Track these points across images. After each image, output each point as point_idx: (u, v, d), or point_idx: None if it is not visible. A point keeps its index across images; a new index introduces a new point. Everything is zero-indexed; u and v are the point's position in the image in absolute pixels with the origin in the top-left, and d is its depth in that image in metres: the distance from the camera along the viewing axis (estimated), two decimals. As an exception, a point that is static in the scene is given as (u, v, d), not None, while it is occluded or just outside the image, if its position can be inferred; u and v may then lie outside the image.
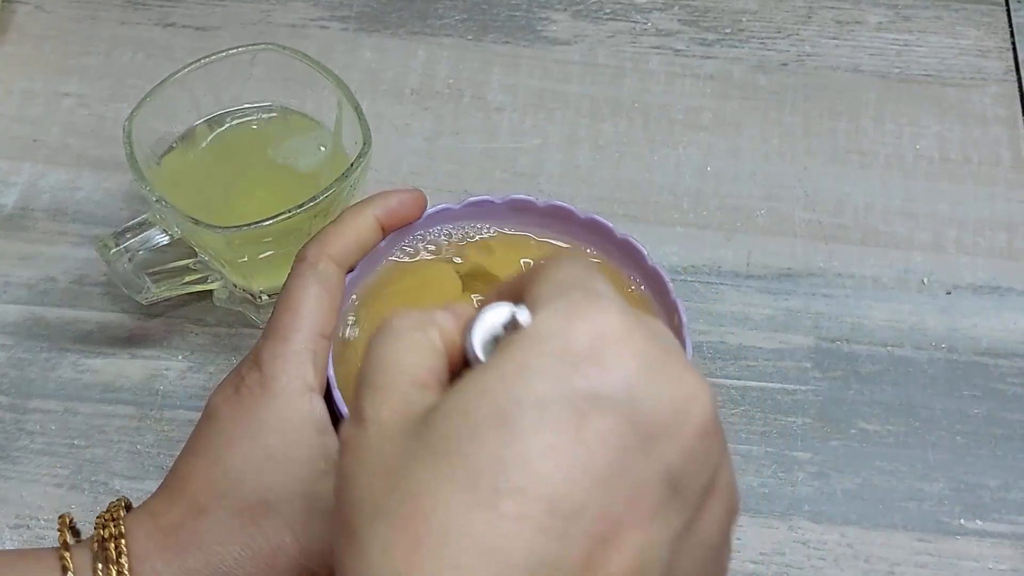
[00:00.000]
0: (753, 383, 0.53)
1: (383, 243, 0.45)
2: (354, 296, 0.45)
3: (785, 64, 0.63)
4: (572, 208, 0.46)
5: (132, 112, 0.48)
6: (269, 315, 0.43)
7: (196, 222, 0.46)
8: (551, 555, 0.26)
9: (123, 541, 0.38)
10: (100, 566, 0.37)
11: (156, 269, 0.50)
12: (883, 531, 0.49)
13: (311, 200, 0.46)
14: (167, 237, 0.48)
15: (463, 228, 0.47)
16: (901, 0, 0.66)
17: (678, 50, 0.64)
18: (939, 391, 0.53)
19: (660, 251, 0.56)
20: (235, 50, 0.51)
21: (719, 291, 0.55)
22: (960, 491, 0.50)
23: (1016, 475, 0.50)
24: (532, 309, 0.29)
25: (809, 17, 0.65)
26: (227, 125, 0.52)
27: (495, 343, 0.30)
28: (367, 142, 0.48)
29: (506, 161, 0.59)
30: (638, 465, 0.27)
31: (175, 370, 0.52)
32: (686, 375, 0.28)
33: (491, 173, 0.59)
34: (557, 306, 0.28)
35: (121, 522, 0.38)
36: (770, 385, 0.52)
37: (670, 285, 0.44)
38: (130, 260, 0.48)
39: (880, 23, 0.65)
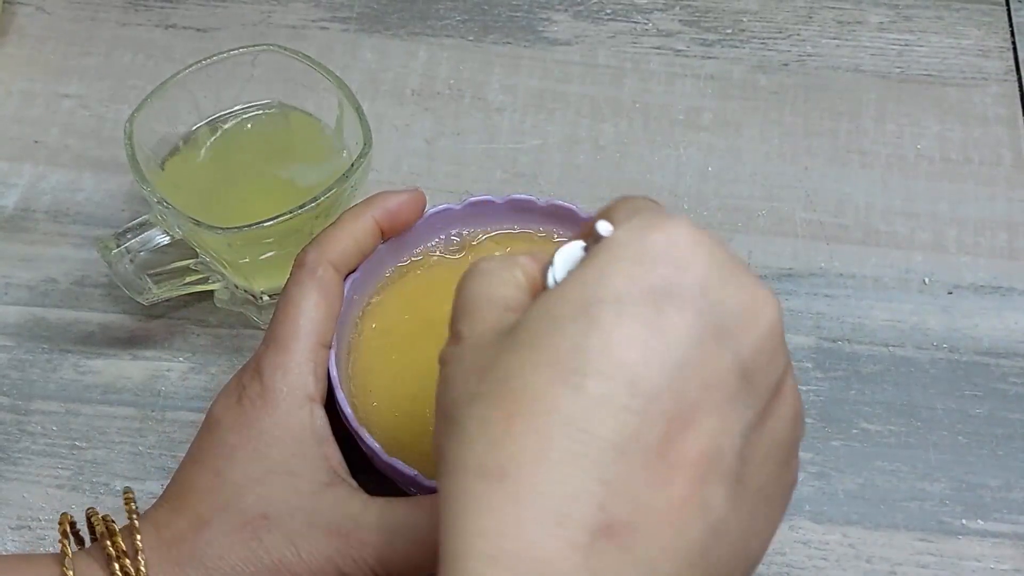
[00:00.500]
0: (754, 383, 0.52)
1: (384, 246, 0.45)
2: (358, 296, 0.45)
3: (786, 64, 0.63)
4: (573, 207, 0.46)
5: (133, 113, 0.48)
6: (270, 316, 0.43)
7: (197, 223, 0.46)
8: (632, 431, 0.28)
9: (141, 561, 0.38)
10: None
11: (157, 270, 0.50)
12: (884, 531, 0.49)
13: (312, 201, 0.46)
14: (168, 238, 0.48)
15: (468, 228, 0.47)
16: (902, 0, 0.66)
17: (679, 50, 0.64)
18: (940, 391, 0.53)
19: (661, 251, 0.56)
20: (236, 51, 0.51)
21: (720, 291, 0.55)
22: (962, 491, 0.50)
23: (1018, 475, 0.50)
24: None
25: (810, 17, 0.65)
26: (228, 126, 0.52)
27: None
28: (368, 143, 0.48)
29: (506, 161, 0.59)
30: (712, 356, 0.29)
31: (176, 371, 0.52)
32: (756, 282, 0.30)
33: (491, 173, 0.59)
34: (632, 223, 0.30)
35: (138, 538, 0.38)
36: (771, 385, 0.52)
37: None
38: (131, 261, 0.48)
39: (881, 23, 0.65)
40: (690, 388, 0.29)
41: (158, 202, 0.46)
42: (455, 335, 0.32)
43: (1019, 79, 0.63)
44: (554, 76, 0.62)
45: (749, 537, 0.31)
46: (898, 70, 0.63)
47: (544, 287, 0.32)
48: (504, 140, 0.60)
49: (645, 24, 0.65)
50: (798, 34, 0.64)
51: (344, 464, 0.40)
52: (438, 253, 0.47)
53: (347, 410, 0.41)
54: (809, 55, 0.64)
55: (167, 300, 0.52)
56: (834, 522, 0.49)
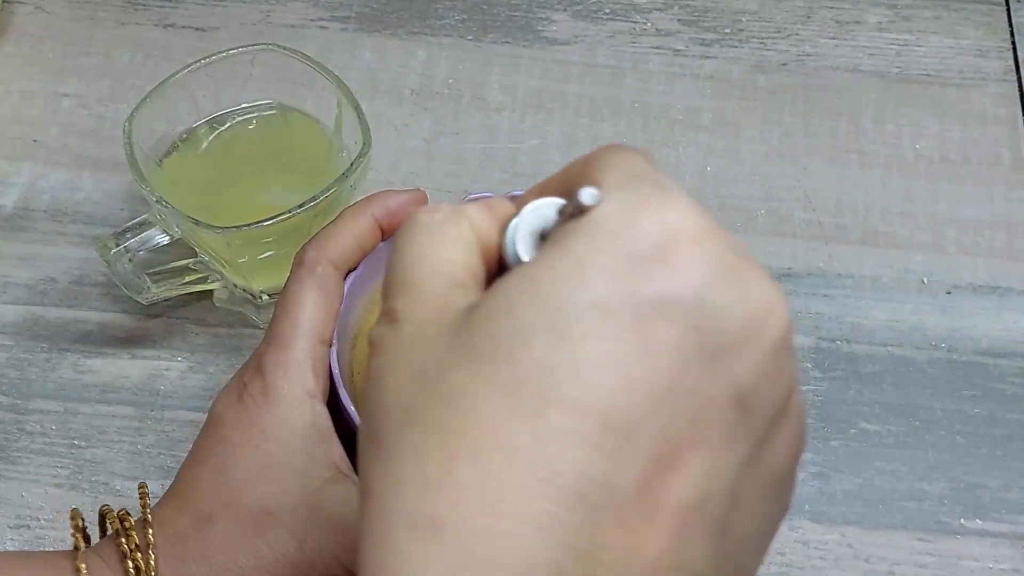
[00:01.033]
0: (753, 383, 0.53)
1: (386, 245, 0.44)
2: (360, 295, 0.45)
3: (785, 64, 0.63)
4: None
5: (132, 112, 0.48)
6: (269, 315, 0.43)
7: (196, 222, 0.46)
8: (603, 476, 0.23)
9: (151, 555, 0.38)
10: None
11: (156, 269, 0.50)
12: (883, 531, 0.49)
13: (311, 200, 0.46)
14: (167, 237, 0.48)
15: None
16: (901, 0, 0.66)
17: (678, 50, 0.64)
18: (939, 391, 0.53)
19: (660, 251, 0.56)
20: (235, 50, 0.51)
21: (719, 291, 0.55)
22: (960, 491, 0.50)
23: (1016, 475, 0.50)
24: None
25: (809, 17, 0.65)
26: (227, 125, 0.52)
27: (542, 242, 0.27)
28: (367, 142, 0.48)
29: (505, 161, 0.59)
30: (705, 381, 0.24)
31: (175, 370, 0.52)
32: (763, 284, 0.25)
33: (490, 173, 0.59)
34: (623, 198, 0.25)
35: (151, 532, 0.38)
36: (770, 385, 0.52)
37: None
38: (130, 260, 0.48)
39: (880, 23, 0.65)
40: (677, 422, 0.24)
41: (157, 201, 0.46)
42: (389, 313, 0.26)
43: (1018, 79, 0.63)
44: (553, 76, 0.62)
45: None
46: (897, 70, 0.63)
47: (500, 255, 0.27)
48: (503, 140, 0.60)
49: (644, 24, 0.65)
50: (797, 34, 0.64)
51: (347, 460, 0.40)
52: None
53: (350, 408, 0.41)
54: (808, 55, 0.64)
55: (166, 299, 0.52)
56: (833, 522, 0.49)
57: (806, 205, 0.58)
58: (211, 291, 0.53)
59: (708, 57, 0.63)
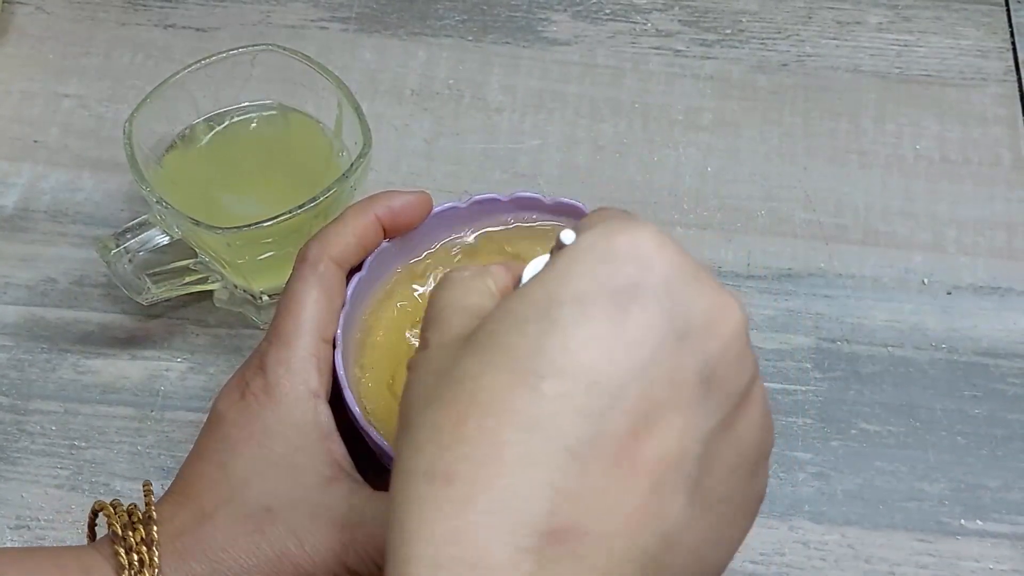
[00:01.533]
0: (753, 383, 0.53)
1: (388, 244, 0.44)
2: (364, 296, 0.45)
3: (785, 64, 0.63)
4: (579, 204, 0.46)
5: (132, 113, 0.48)
6: (270, 316, 0.43)
7: (196, 223, 0.46)
8: (589, 434, 0.27)
9: (155, 552, 0.38)
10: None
11: (156, 270, 0.50)
12: (883, 531, 0.49)
13: (311, 201, 0.46)
14: (167, 238, 0.48)
15: (473, 226, 0.47)
16: (901, 0, 0.66)
17: (678, 51, 0.64)
18: (939, 391, 0.53)
19: (660, 251, 0.56)
20: (235, 51, 0.51)
21: (719, 291, 0.55)
22: (960, 491, 0.50)
23: (1016, 475, 0.50)
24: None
25: (809, 17, 0.65)
26: (227, 124, 0.52)
27: None
28: (367, 143, 0.48)
29: (506, 162, 0.59)
30: (676, 357, 0.28)
31: (175, 371, 0.52)
32: (720, 287, 0.30)
33: (491, 174, 0.59)
34: (598, 230, 0.30)
35: (155, 529, 0.38)
36: (770, 385, 0.52)
37: None
38: (130, 261, 0.48)
39: (880, 23, 0.65)
40: (653, 389, 0.28)
41: (157, 202, 0.46)
42: (423, 342, 0.32)
43: (1018, 79, 0.63)
44: (553, 76, 0.62)
45: (708, 547, 0.30)
46: (897, 70, 0.63)
47: None
48: (503, 140, 0.60)
49: (644, 24, 0.65)
50: (797, 34, 0.64)
51: (349, 459, 0.40)
52: (443, 254, 0.46)
53: (355, 409, 0.41)
54: (808, 55, 0.64)
55: (166, 300, 0.52)
56: (833, 522, 0.49)
57: (806, 205, 0.58)
58: (211, 292, 0.53)
59: (708, 57, 0.63)
